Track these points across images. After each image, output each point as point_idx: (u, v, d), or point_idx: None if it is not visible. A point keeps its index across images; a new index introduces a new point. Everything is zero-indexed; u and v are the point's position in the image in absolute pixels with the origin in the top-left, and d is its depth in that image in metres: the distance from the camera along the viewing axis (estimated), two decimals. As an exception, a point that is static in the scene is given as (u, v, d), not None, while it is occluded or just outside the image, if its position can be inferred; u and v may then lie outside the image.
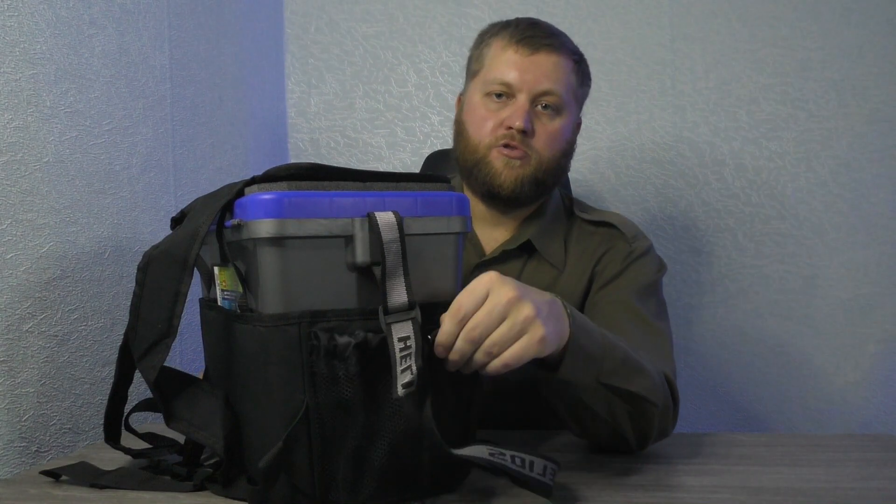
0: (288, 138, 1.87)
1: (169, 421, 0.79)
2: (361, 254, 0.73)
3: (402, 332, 0.70)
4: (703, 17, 1.72)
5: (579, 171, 1.75)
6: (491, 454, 0.71)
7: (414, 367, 0.70)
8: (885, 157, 1.68)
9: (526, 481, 0.73)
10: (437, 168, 1.47)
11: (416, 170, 1.66)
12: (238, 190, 0.74)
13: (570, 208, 1.19)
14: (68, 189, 1.09)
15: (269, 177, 0.74)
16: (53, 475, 0.86)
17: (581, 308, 1.10)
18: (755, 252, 1.72)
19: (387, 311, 0.71)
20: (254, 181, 0.74)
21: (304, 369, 0.70)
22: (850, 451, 0.94)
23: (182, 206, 1.32)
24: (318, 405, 0.71)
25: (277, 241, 0.70)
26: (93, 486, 0.83)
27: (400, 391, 0.69)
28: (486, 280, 0.73)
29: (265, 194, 0.71)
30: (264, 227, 0.70)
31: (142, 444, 0.94)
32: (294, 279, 0.71)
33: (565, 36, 1.11)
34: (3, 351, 0.98)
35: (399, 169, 1.83)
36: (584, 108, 1.19)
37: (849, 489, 0.80)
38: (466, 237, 0.89)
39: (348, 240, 0.73)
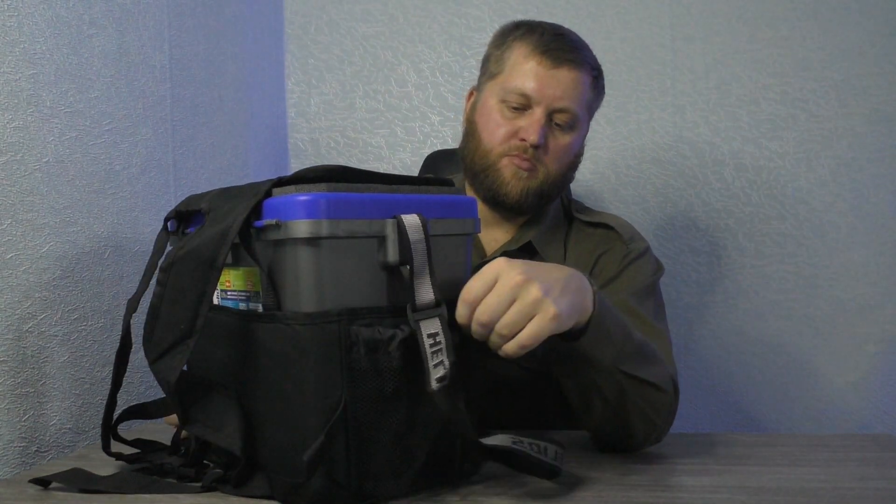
0: (288, 138, 1.87)
1: (185, 424, 0.79)
2: (393, 253, 0.75)
3: (431, 328, 0.74)
4: (703, 17, 1.72)
5: (580, 171, 1.72)
6: (514, 442, 0.76)
7: (447, 362, 0.73)
8: (885, 157, 1.68)
9: (533, 467, 0.77)
10: (437, 168, 1.48)
11: (416, 170, 1.66)
12: (266, 190, 0.75)
13: (569, 209, 1.20)
14: (68, 189, 1.09)
15: (299, 178, 0.75)
16: (43, 483, 0.84)
17: None
18: (755, 252, 1.72)
19: (415, 309, 0.74)
20: (281, 182, 0.75)
21: (342, 365, 0.72)
22: (850, 451, 0.94)
23: (182, 206, 1.32)
24: (356, 399, 0.73)
25: (314, 240, 0.72)
26: (93, 492, 0.82)
27: (434, 385, 0.72)
28: (496, 266, 0.76)
29: (303, 195, 0.73)
30: (304, 228, 0.72)
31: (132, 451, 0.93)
32: (329, 278, 0.73)
33: (588, 49, 1.12)
34: (3, 351, 0.98)
35: (399, 169, 1.83)
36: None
37: (849, 489, 0.80)
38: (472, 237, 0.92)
39: (381, 240, 0.75)
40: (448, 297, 0.78)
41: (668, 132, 1.74)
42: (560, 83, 1.06)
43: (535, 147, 1.06)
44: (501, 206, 1.11)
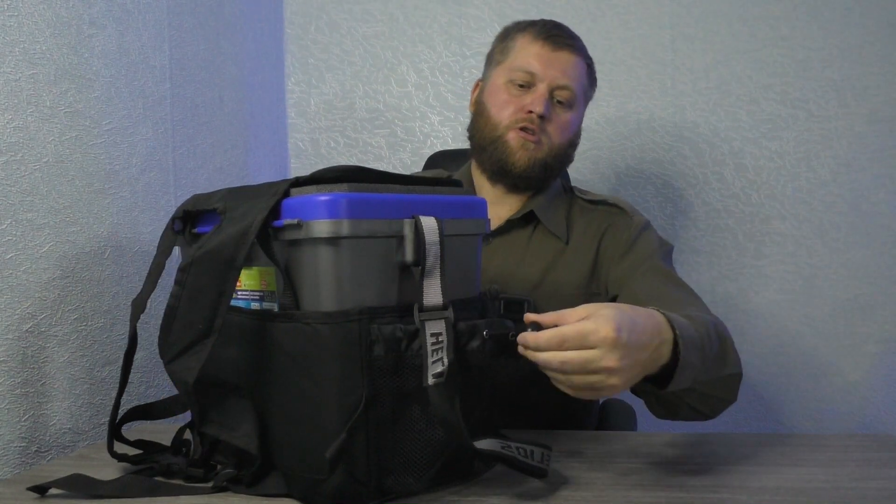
0: (288, 138, 1.87)
1: (201, 424, 0.79)
2: (410, 253, 0.76)
3: (435, 328, 0.75)
4: (703, 17, 1.72)
5: (580, 171, 1.75)
6: (502, 447, 0.77)
7: (445, 360, 0.74)
8: (885, 157, 1.68)
9: (523, 467, 0.78)
10: (439, 168, 1.47)
11: (417, 170, 1.66)
12: (285, 190, 0.75)
13: (570, 189, 1.28)
14: (68, 189, 1.09)
15: (318, 178, 0.75)
16: (40, 490, 0.82)
17: (589, 280, 1.16)
18: (755, 252, 1.72)
19: (422, 309, 0.75)
20: (299, 182, 0.76)
21: (362, 363, 0.73)
22: (850, 451, 0.94)
23: (182, 206, 1.32)
24: (376, 397, 0.74)
25: (335, 240, 0.72)
26: (95, 497, 0.81)
27: (430, 380, 0.74)
28: (602, 337, 0.73)
29: (324, 195, 0.73)
30: (325, 227, 0.72)
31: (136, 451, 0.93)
32: (348, 277, 0.74)
33: (582, 41, 1.21)
34: (3, 351, 0.98)
35: (399, 169, 1.83)
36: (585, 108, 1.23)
37: (849, 489, 0.80)
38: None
39: (399, 240, 0.76)
40: (457, 295, 0.80)
41: (668, 132, 1.74)
42: (561, 63, 1.16)
43: (542, 118, 1.14)
44: (508, 176, 1.17)
